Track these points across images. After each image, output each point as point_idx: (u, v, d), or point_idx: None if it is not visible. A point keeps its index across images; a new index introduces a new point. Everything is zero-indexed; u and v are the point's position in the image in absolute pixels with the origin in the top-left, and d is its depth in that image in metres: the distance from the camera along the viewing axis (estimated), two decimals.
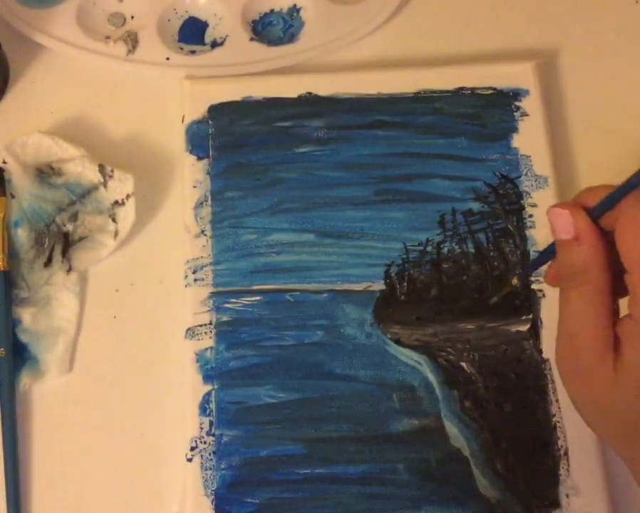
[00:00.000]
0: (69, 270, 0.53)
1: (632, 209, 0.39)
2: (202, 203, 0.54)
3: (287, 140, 0.56)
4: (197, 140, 0.56)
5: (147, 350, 0.52)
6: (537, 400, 0.49)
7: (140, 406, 0.51)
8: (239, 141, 0.56)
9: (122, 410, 0.51)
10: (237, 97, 0.57)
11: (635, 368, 0.39)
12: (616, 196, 0.39)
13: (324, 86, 0.58)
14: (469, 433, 0.49)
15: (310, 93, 0.58)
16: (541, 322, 0.51)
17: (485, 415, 0.49)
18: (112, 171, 0.55)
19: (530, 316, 0.51)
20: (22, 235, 0.54)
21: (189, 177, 0.55)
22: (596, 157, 0.57)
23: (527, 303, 0.51)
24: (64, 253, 0.54)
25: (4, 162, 0.55)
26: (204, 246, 0.53)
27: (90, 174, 0.55)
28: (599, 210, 0.40)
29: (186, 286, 0.52)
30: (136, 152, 0.58)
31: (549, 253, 0.43)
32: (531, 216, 0.54)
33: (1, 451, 0.50)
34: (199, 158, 0.56)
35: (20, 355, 0.52)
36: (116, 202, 0.55)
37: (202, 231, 0.54)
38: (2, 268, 0.52)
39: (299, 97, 0.58)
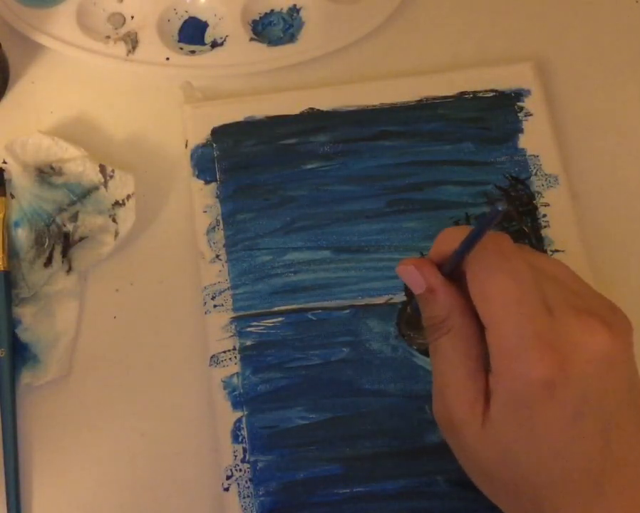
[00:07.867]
0: (69, 270, 0.53)
1: (475, 266, 0.38)
2: (213, 228, 0.54)
3: (293, 157, 0.56)
4: (203, 163, 0.55)
5: (147, 350, 0.52)
6: None
7: (139, 406, 0.51)
8: (245, 162, 0.56)
9: (122, 410, 0.51)
10: (239, 118, 0.57)
11: (496, 423, 0.38)
12: (462, 249, 0.38)
13: (325, 100, 0.57)
14: None
15: (312, 109, 0.57)
16: None
17: None
18: (112, 171, 0.54)
19: None
20: (22, 235, 0.53)
21: (198, 202, 0.54)
22: (602, 153, 0.57)
23: None
24: (64, 253, 0.53)
25: (4, 162, 0.55)
26: (220, 271, 0.53)
27: (91, 174, 0.54)
28: (448, 267, 0.40)
29: (206, 312, 0.51)
30: (136, 152, 0.57)
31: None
32: (545, 215, 0.54)
33: (1, 451, 0.49)
34: (207, 182, 0.55)
35: (20, 355, 0.51)
36: (116, 203, 0.54)
37: (217, 256, 0.53)
38: (2, 268, 0.52)
39: (302, 113, 0.57)
